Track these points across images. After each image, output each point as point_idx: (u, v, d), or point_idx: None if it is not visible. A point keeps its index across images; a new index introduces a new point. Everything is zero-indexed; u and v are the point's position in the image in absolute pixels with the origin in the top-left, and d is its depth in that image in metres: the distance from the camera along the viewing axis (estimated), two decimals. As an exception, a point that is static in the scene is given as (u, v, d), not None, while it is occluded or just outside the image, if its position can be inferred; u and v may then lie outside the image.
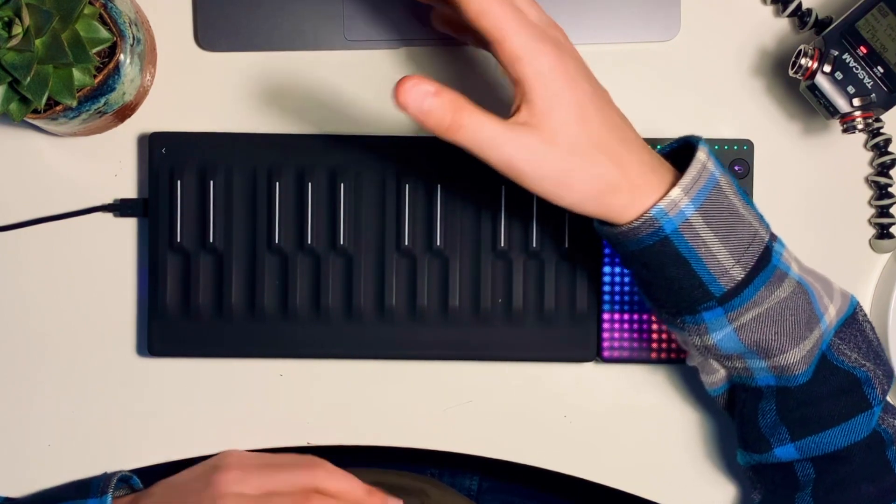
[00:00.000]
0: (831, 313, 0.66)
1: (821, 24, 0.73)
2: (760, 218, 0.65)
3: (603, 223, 0.64)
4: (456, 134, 0.59)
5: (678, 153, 0.66)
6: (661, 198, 0.61)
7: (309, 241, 0.73)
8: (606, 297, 0.74)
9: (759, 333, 0.64)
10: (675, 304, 0.64)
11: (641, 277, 0.65)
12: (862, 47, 0.69)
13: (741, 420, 0.68)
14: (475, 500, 0.86)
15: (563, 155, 0.60)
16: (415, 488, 0.79)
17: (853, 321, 0.68)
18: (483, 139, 0.59)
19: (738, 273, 0.62)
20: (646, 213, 0.61)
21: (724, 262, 0.62)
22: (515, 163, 0.60)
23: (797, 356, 0.65)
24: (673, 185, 0.62)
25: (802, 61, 0.69)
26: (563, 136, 0.60)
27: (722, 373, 0.68)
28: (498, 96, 0.75)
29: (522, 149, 0.60)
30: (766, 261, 0.63)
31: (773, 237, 0.65)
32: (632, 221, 0.62)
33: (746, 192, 0.65)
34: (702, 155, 0.62)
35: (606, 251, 0.74)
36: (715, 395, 0.70)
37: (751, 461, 0.69)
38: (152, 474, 0.76)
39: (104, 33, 0.67)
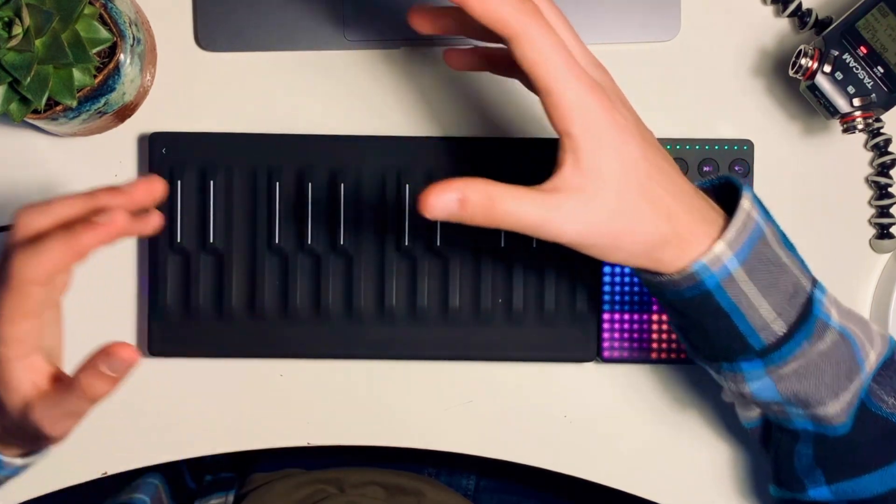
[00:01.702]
0: (871, 360, 0.64)
1: (821, 24, 0.73)
2: (802, 264, 0.62)
3: (641, 269, 0.62)
4: (497, 225, 0.57)
5: (718, 190, 0.64)
6: (705, 252, 0.59)
7: (309, 241, 0.73)
8: (606, 297, 0.74)
9: (799, 385, 0.62)
10: (713, 353, 0.63)
11: (678, 324, 0.64)
12: (862, 47, 0.69)
13: (776, 458, 0.67)
14: (472, 499, 0.86)
15: (612, 217, 0.57)
16: (411, 488, 0.79)
17: (891, 363, 0.65)
18: (526, 223, 0.57)
19: (779, 328, 0.60)
20: (688, 267, 0.59)
21: (765, 316, 0.60)
22: (564, 237, 0.57)
23: (837, 408, 0.63)
24: (719, 234, 0.59)
25: (802, 61, 0.69)
26: (612, 195, 0.57)
27: (758, 410, 0.67)
28: (496, 93, 0.75)
29: (570, 221, 0.57)
30: (807, 312, 0.61)
31: (814, 282, 0.62)
32: (673, 274, 0.59)
33: (787, 236, 0.63)
34: (746, 203, 0.60)
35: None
36: (749, 428, 0.69)
37: (784, 497, 0.68)
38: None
39: (104, 33, 0.67)
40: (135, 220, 0.63)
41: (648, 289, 0.63)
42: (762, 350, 0.61)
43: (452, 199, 0.55)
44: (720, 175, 0.63)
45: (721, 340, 0.61)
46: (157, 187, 0.62)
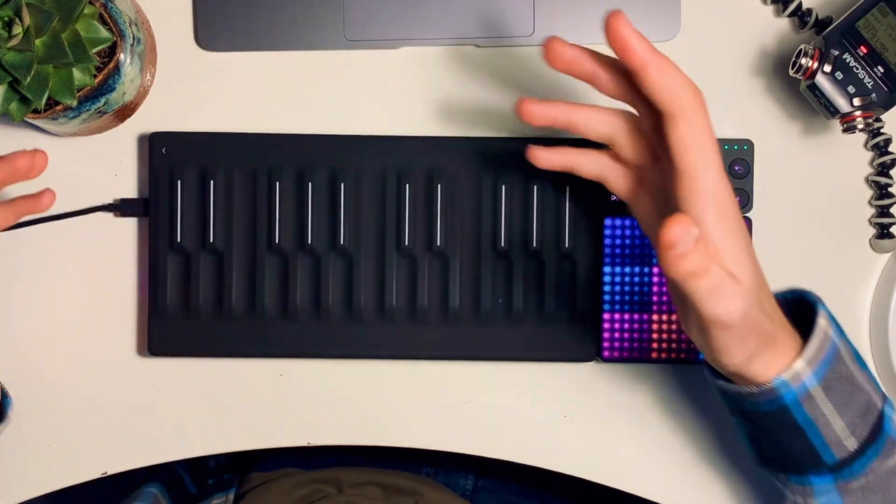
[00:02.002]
0: None
1: (821, 24, 0.73)
2: (873, 381, 0.63)
3: (716, 374, 0.61)
4: (693, 280, 0.53)
5: (790, 303, 0.63)
6: (785, 368, 0.59)
7: (309, 241, 0.73)
8: (606, 297, 0.74)
9: (865, 500, 0.62)
10: (782, 464, 0.63)
11: (750, 433, 0.64)
12: (862, 47, 0.69)
13: None
14: (470, 499, 0.86)
15: (754, 306, 0.56)
16: (409, 488, 0.79)
17: None
18: (708, 290, 0.54)
19: (852, 444, 0.61)
20: (769, 382, 0.59)
21: (839, 432, 0.60)
22: (728, 315, 0.55)
23: None
24: (798, 349, 0.60)
25: (803, 61, 0.69)
26: (749, 284, 0.56)
27: None
28: (496, 93, 0.75)
29: (737, 299, 0.55)
30: (878, 429, 0.62)
31: (885, 399, 0.63)
32: (753, 386, 0.59)
33: (859, 353, 0.63)
34: (822, 322, 0.60)
35: (606, 251, 0.73)
36: None
37: None
38: (152, 474, 0.76)
39: (104, 33, 0.67)
40: (25, 200, 0.62)
41: (724, 399, 0.63)
42: (834, 465, 0.61)
43: (693, 234, 0.52)
44: (795, 289, 0.63)
45: (793, 453, 0.62)
46: (39, 160, 0.62)
